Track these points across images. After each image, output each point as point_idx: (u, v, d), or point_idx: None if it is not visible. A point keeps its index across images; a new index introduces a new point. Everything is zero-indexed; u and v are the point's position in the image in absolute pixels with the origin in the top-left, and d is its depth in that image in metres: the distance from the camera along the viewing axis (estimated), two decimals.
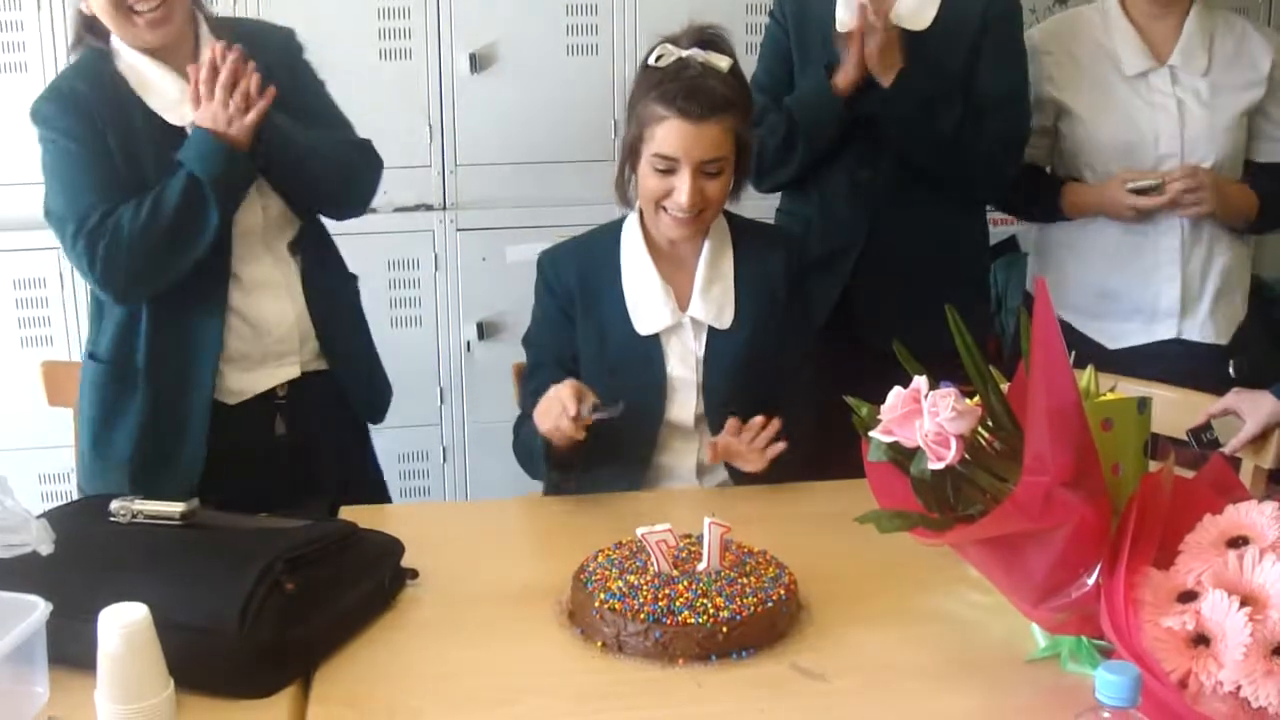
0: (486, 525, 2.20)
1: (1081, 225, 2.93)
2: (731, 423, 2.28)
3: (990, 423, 1.60)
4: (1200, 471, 1.69)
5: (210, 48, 2.29)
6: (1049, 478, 1.47)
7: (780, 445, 2.24)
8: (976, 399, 1.64)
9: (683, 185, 2.29)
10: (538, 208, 3.67)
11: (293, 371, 2.52)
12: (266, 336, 2.48)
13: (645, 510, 2.30)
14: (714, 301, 2.43)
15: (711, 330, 2.42)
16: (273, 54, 2.49)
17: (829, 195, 2.91)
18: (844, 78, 2.74)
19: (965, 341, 1.61)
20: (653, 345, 2.42)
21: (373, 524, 1.99)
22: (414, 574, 1.94)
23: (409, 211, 3.64)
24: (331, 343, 2.58)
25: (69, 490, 2.86)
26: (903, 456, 1.58)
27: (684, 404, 2.43)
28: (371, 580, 1.85)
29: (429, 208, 3.65)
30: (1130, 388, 2.20)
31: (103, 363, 2.46)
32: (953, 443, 1.48)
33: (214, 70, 2.26)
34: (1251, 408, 2.40)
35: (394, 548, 1.94)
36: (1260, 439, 2.39)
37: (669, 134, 2.28)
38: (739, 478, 2.40)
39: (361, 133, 2.60)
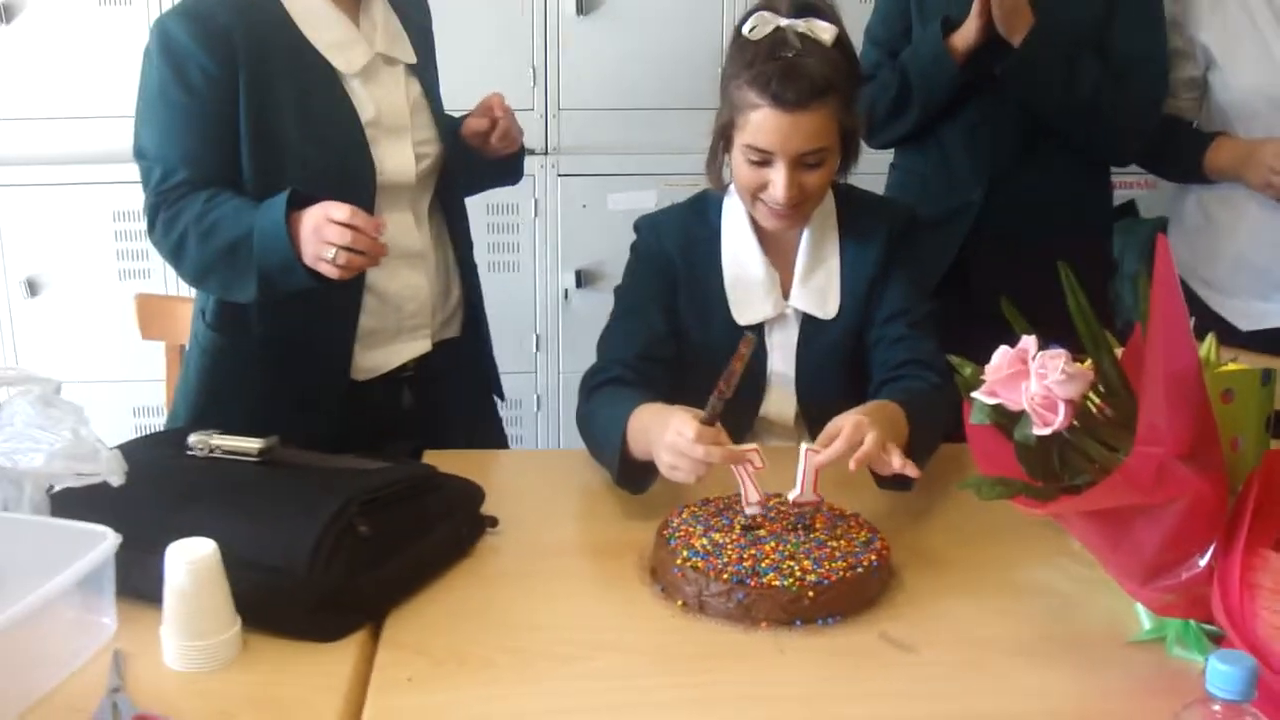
0: (573, 475, 2.14)
1: (1224, 190, 2.73)
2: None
3: (1102, 388, 1.50)
4: None
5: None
6: (1163, 449, 1.37)
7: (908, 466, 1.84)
8: (1088, 363, 1.55)
9: (779, 179, 2.07)
10: (641, 155, 3.60)
11: (424, 346, 2.37)
12: (398, 311, 2.31)
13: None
14: (816, 290, 2.23)
15: (808, 319, 2.24)
16: (423, 20, 2.43)
17: (947, 151, 2.81)
18: (963, 39, 2.62)
19: (1078, 300, 1.50)
20: (756, 336, 2.19)
21: (456, 469, 1.94)
22: (494, 522, 1.88)
23: None
24: (474, 311, 2.49)
25: (161, 423, 2.86)
26: (1007, 420, 1.49)
27: (782, 400, 2.25)
28: (449, 526, 1.80)
29: (530, 152, 3.57)
30: (1254, 361, 2.09)
31: (212, 329, 2.29)
32: (1061, 407, 1.39)
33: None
34: None
35: (474, 494, 1.89)
36: None
37: (762, 124, 2.05)
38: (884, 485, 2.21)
39: (464, 75, 2.54)
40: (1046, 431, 1.39)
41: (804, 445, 1.81)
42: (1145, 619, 1.64)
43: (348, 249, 1.95)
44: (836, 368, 2.25)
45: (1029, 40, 2.56)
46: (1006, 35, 2.57)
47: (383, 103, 2.23)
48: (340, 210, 1.95)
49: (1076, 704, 1.51)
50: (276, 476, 1.76)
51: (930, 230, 2.52)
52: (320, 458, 1.84)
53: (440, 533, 1.78)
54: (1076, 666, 1.58)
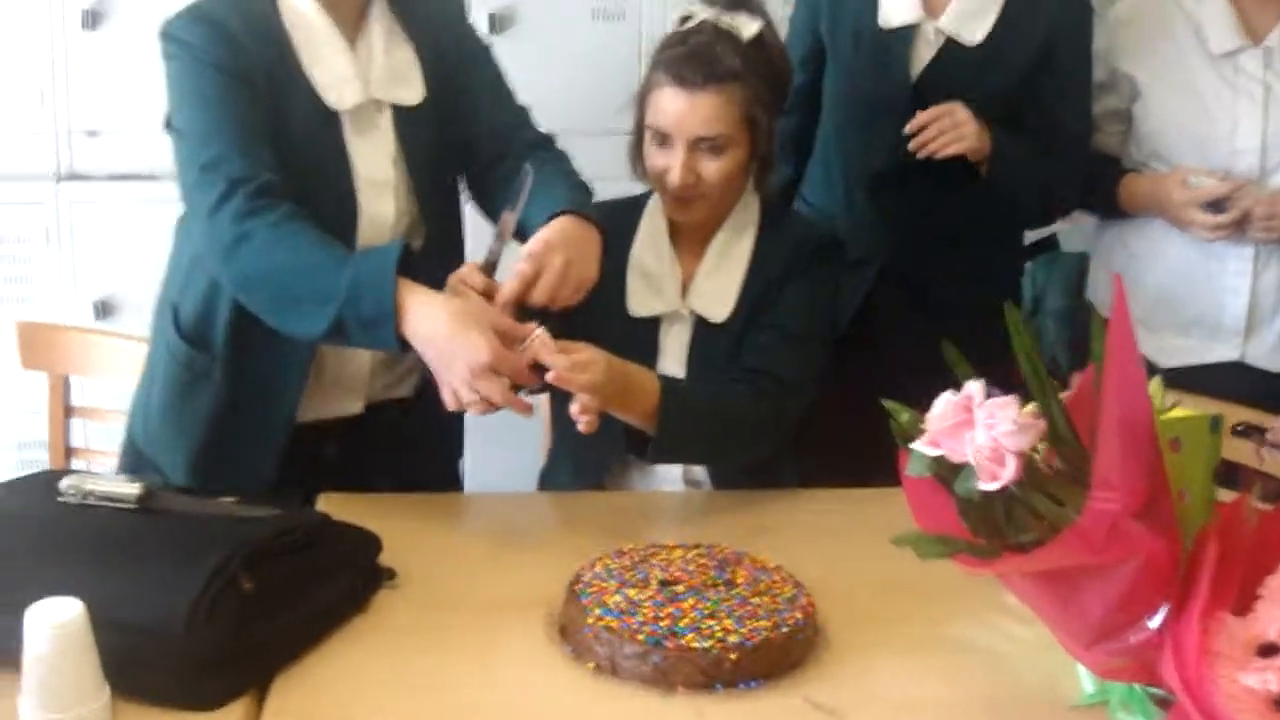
0: (476, 522, 2.03)
1: (1142, 224, 2.65)
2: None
3: (1049, 439, 1.40)
4: None
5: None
6: (1118, 505, 1.27)
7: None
8: (1029, 408, 1.44)
9: (675, 162, 2.08)
10: None
11: (355, 408, 2.15)
12: (335, 370, 2.09)
13: (650, 511, 2.13)
14: (713, 292, 2.18)
15: (702, 323, 2.18)
16: (436, 12, 2.14)
17: (854, 197, 2.67)
18: None
19: (1023, 341, 1.39)
20: (646, 332, 2.18)
21: (351, 515, 1.79)
22: (391, 574, 1.75)
23: None
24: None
25: (44, 458, 2.69)
26: (947, 472, 1.37)
27: None
28: (342, 580, 1.66)
29: None
30: (1193, 403, 2.01)
31: (182, 334, 2.08)
32: (1010, 460, 1.28)
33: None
34: None
35: (370, 544, 1.74)
36: None
37: (662, 104, 2.09)
38: (719, 481, 2.20)
39: None
40: (994, 486, 1.28)
41: (540, 330, 1.82)
42: (1087, 681, 1.54)
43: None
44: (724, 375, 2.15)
45: (994, 160, 2.46)
46: (976, 160, 2.46)
47: (364, 149, 2.03)
48: (496, 390, 1.77)
49: None
50: (154, 526, 1.61)
51: (846, 261, 2.40)
52: (204, 503, 1.70)
53: (332, 587, 1.64)
54: None
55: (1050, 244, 3.52)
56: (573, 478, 2.24)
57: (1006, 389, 1.44)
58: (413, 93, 2.05)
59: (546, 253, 1.89)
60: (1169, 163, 2.59)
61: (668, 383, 2.01)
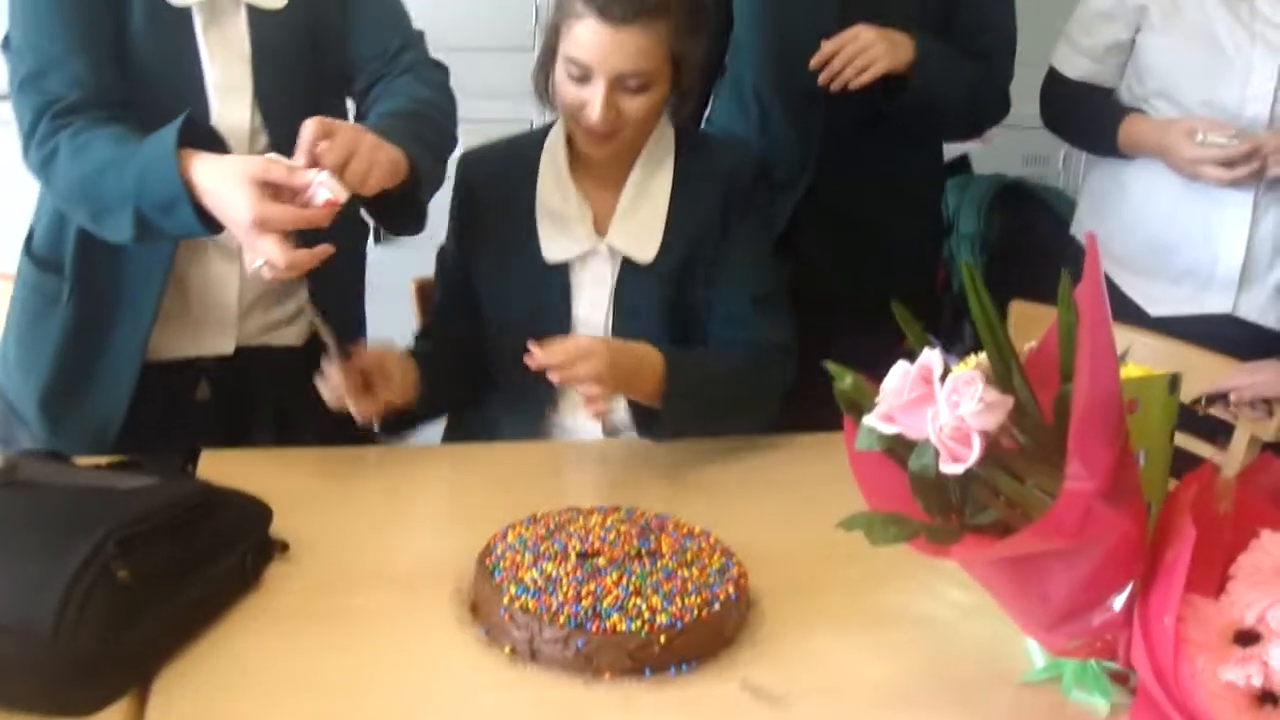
0: (374, 480, 1.87)
1: (1140, 165, 2.48)
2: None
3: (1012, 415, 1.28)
4: (1247, 470, 1.39)
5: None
6: (1092, 485, 1.16)
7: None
8: (972, 363, 1.32)
9: (595, 99, 1.93)
10: None
11: (225, 347, 1.99)
12: (199, 303, 1.95)
13: (564, 465, 2.00)
14: (637, 228, 2.04)
15: (627, 264, 2.05)
16: None
17: (770, 118, 2.51)
18: None
19: (982, 304, 1.26)
20: (559, 277, 2.05)
21: (235, 474, 1.63)
22: (284, 547, 1.60)
23: None
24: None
25: None
26: (900, 447, 1.25)
27: None
28: (229, 558, 1.49)
29: None
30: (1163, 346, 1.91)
31: (34, 256, 1.96)
32: (975, 440, 1.16)
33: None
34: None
35: (259, 516, 1.58)
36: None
37: (583, 37, 1.91)
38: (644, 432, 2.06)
39: None
40: (959, 469, 1.16)
41: (323, 175, 1.63)
42: (1037, 655, 1.45)
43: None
44: (655, 319, 2.05)
45: (918, 66, 2.28)
46: (895, 72, 2.28)
47: (217, 50, 1.86)
48: (271, 248, 1.62)
49: None
50: (15, 506, 1.44)
51: (773, 183, 2.28)
52: (70, 472, 1.54)
53: (218, 567, 1.47)
54: (964, 715, 1.38)
55: (963, 164, 3.42)
56: (506, 426, 2.12)
57: (933, 317, 1.33)
58: None
59: (355, 133, 1.71)
60: (1176, 103, 2.43)
61: (672, 357, 1.91)
